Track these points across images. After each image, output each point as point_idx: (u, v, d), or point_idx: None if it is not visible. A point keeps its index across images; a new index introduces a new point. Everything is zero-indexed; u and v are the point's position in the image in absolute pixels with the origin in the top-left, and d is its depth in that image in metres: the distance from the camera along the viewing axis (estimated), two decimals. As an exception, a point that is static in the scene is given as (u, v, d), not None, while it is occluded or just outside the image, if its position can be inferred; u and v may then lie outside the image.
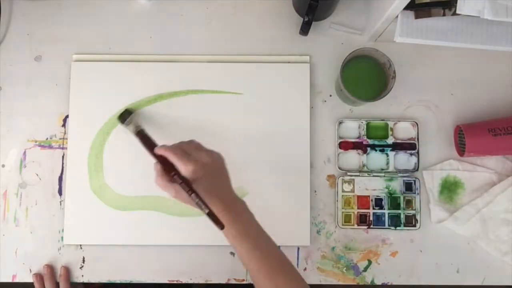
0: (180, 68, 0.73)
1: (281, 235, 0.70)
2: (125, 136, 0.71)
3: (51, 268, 0.70)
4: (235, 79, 0.73)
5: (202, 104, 0.73)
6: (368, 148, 0.72)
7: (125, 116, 0.70)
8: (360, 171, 0.72)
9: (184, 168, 0.56)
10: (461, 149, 0.71)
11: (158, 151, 0.60)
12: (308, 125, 0.72)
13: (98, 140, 0.72)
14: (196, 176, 0.57)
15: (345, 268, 0.71)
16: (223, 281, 0.71)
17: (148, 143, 0.65)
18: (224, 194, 0.59)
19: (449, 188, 0.72)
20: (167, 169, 0.58)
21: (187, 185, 0.56)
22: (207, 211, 0.55)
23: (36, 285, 0.70)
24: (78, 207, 0.71)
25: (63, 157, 0.72)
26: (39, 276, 0.70)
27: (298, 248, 0.71)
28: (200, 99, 0.73)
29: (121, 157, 0.72)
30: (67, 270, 0.70)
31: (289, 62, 0.74)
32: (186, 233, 0.71)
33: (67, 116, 0.73)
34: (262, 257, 0.57)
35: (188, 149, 0.59)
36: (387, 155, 0.72)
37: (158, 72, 0.73)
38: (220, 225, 0.55)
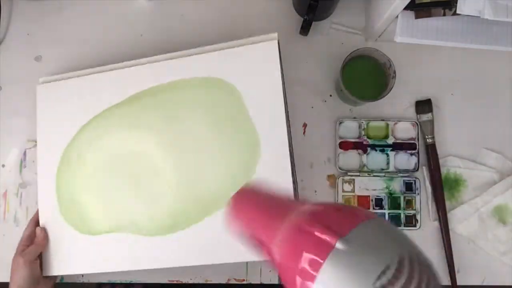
0: (147, 68, 0.66)
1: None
2: (87, 159, 0.68)
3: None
4: (203, 69, 0.64)
5: (179, 97, 0.65)
6: (368, 148, 0.72)
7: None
8: (360, 171, 0.72)
9: None
10: None
11: None
12: (284, 122, 0.62)
13: (62, 165, 0.68)
14: None
15: (345, 268, 0.71)
16: (223, 281, 0.71)
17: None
18: None
19: (450, 185, 0.72)
20: None
21: None
22: None
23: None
24: (53, 236, 0.67)
25: (63, 157, 0.72)
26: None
27: (298, 248, 0.71)
28: (179, 94, 0.65)
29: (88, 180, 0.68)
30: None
31: (253, 43, 0.63)
32: (160, 253, 0.64)
33: (67, 116, 0.73)
34: None
35: None
36: (387, 155, 0.72)
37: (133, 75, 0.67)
38: None
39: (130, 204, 0.66)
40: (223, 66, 0.63)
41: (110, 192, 0.67)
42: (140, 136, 0.66)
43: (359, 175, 0.72)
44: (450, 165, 0.72)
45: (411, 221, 0.71)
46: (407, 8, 0.60)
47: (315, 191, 0.72)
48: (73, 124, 0.68)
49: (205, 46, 0.65)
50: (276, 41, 0.63)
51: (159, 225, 0.64)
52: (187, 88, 0.65)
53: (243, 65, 0.63)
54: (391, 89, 0.66)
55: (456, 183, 0.72)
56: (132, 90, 0.67)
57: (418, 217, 0.71)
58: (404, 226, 0.71)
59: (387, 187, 0.72)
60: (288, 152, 0.62)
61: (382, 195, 0.71)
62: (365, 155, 0.72)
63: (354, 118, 0.73)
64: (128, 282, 0.71)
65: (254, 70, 0.63)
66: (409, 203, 0.71)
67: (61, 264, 0.67)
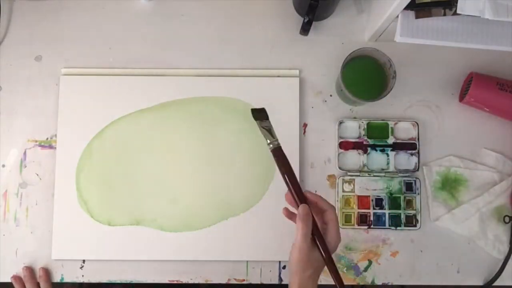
0: (176, 81, 0.73)
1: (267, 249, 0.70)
2: (112, 153, 0.71)
3: (30, 269, 0.70)
4: (229, 90, 0.73)
5: (192, 113, 0.72)
6: (369, 148, 0.72)
7: (262, 115, 0.63)
8: (360, 171, 0.72)
9: (337, 237, 0.56)
10: (464, 95, 0.71)
11: (310, 196, 0.57)
12: (298, 146, 0.71)
13: (84, 156, 0.71)
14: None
15: (345, 268, 0.71)
16: (224, 281, 0.71)
17: (286, 166, 0.59)
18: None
19: (450, 185, 0.72)
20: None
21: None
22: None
23: (16, 287, 0.70)
24: (66, 221, 0.70)
25: (63, 157, 0.72)
26: (18, 278, 0.70)
27: (299, 248, 0.71)
28: (192, 110, 0.72)
29: (107, 175, 0.71)
30: (46, 271, 0.70)
31: (278, 76, 0.73)
32: (176, 247, 0.70)
33: (67, 116, 0.73)
34: None
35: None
36: (388, 155, 0.72)
37: (150, 85, 0.73)
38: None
39: (152, 201, 0.71)
40: (251, 91, 0.72)
41: (132, 188, 0.71)
42: (166, 140, 0.72)
43: (359, 175, 0.72)
44: (450, 165, 0.72)
45: (411, 221, 0.71)
46: (407, 8, 0.60)
47: (315, 191, 0.72)
48: (99, 119, 0.72)
49: (235, 70, 0.74)
50: (298, 78, 0.73)
51: (177, 223, 0.70)
52: (216, 105, 0.72)
53: (268, 93, 0.72)
54: (392, 89, 0.66)
55: (456, 183, 0.72)
56: (160, 98, 0.72)
57: (418, 217, 0.71)
58: (404, 226, 0.71)
59: (387, 187, 0.72)
60: (297, 174, 0.68)
61: (382, 195, 0.71)
62: (365, 155, 0.72)
63: (354, 118, 0.73)
64: (128, 282, 0.71)
65: (278, 98, 0.72)
66: (409, 203, 0.71)
67: (74, 249, 0.70)
